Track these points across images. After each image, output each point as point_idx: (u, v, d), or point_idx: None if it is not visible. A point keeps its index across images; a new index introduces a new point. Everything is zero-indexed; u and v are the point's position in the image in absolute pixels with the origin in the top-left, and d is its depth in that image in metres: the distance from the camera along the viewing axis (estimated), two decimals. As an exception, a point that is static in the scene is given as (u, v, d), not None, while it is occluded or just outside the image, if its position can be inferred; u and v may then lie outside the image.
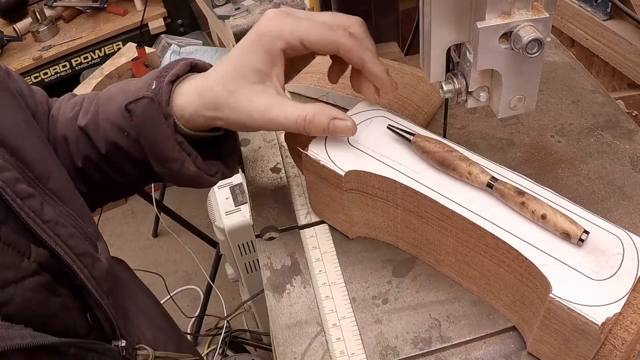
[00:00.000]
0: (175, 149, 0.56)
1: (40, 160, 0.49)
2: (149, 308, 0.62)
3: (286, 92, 0.62)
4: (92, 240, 0.51)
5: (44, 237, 0.44)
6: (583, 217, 0.46)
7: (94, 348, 0.46)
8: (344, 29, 0.53)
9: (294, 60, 0.56)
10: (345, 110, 0.64)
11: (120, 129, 0.58)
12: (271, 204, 0.62)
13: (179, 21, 2.32)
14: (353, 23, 0.54)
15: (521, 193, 0.46)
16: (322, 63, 0.65)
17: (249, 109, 0.53)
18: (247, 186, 0.66)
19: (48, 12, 2.23)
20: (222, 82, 0.54)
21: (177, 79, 0.57)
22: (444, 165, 0.49)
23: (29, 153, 0.48)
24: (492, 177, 0.48)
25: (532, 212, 0.45)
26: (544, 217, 0.44)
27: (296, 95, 0.76)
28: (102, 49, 2.19)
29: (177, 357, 0.58)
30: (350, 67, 0.56)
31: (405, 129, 0.53)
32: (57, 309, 0.44)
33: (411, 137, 0.52)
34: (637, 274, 0.42)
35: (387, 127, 0.54)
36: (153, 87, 0.56)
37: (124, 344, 0.49)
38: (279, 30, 0.52)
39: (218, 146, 0.62)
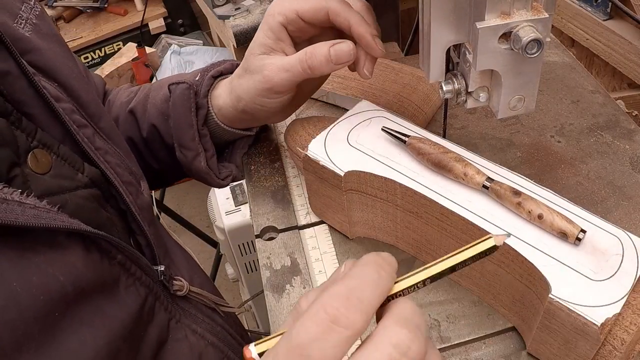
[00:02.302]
0: (194, 139, 0.62)
1: (92, 103, 0.53)
2: (185, 253, 0.65)
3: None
4: (135, 177, 0.54)
5: (95, 159, 0.48)
6: (582, 218, 0.46)
7: (138, 262, 0.48)
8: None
9: (302, 85, 0.59)
10: (345, 110, 0.64)
11: (161, 113, 0.64)
12: (271, 204, 0.62)
13: (179, 21, 2.32)
14: (355, 2, 0.56)
15: (517, 193, 0.46)
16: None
17: (260, 70, 0.57)
18: (247, 186, 0.66)
19: (48, 12, 2.23)
20: (242, 66, 0.59)
21: (220, 75, 0.64)
22: (440, 167, 0.49)
23: (83, 94, 0.51)
24: (488, 177, 0.48)
25: (529, 212, 0.45)
26: (540, 217, 0.44)
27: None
28: (103, 49, 2.19)
29: (212, 298, 0.59)
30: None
31: (399, 130, 0.53)
32: (106, 221, 0.47)
33: (406, 139, 0.52)
34: (636, 275, 0.42)
35: (382, 129, 0.54)
36: (197, 78, 0.62)
37: (162, 269, 0.52)
38: (280, 7, 0.56)
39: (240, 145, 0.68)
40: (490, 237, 0.31)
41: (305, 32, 0.57)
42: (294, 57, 0.55)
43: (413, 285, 0.31)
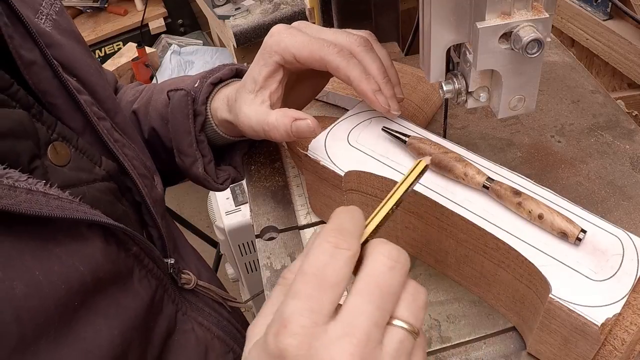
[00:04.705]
0: (192, 146, 0.62)
1: (109, 98, 0.54)
2: (193, 250, 0.66)
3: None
4: (149, 171, 0.55)
5: (114, 150, 0.49)
6: (583, 217, 0.46)
7: (151, 254, 0.49)
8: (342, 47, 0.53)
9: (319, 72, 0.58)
10: (345, 110, 0.64)
11: (162, 117, 0.64)
12: (271, 204, 0.62)
13: (180, 21, 2.32)
14: (352, 42, 0.54)
15: (517, 193, 0.46)
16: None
17: (240, 114, 0.57)
18: (247, 186, 0.66)
19: (48, 12, 2.22)
20: (237, 89, 0.58)
21: (220, 82, 0.62)
22: (440, 167, 0.49)
23: (100, 90, 0.52)
24: (489, 177, 0.48)
25: (529, 212, 0.45)
26: (540, 216, 0.44)
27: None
28: (103, 49, 2.19)
29: (219, 292, 0.60)
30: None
31: (399, 130, 0.53)
32: (121, 215, 0.48)
33: (406, 139, 0.52)
34: (636, 275, 0.42)
35: (382, 129, 0.54)
36: (196, 85, 0.62)
37: (172, 262, 0.53)
38: (277, 46, 0.54)
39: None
40: (422, 160, 0.40)
41: (303, 68, 0.56)
42: (260, 118, 0.54)
43: (385, 217, 0.38)
